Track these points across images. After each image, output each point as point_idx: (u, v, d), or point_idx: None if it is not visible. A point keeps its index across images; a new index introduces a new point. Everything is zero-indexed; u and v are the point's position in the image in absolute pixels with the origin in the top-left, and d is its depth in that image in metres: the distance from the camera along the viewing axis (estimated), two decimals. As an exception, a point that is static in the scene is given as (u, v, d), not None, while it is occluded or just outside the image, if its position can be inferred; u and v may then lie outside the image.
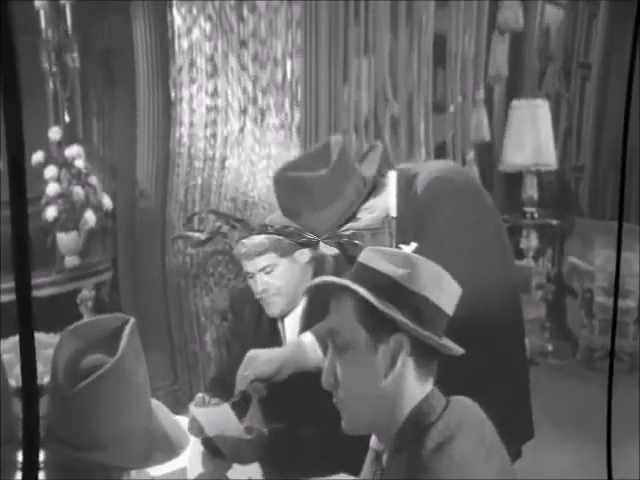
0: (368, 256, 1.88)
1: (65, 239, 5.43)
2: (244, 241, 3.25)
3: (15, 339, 1.67)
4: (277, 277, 3.20)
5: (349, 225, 3.01)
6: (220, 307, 5.82)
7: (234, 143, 5.84)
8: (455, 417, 1.85)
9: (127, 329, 1.68)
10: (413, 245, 2.93)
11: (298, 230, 4.63)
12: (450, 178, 2.99)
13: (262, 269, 3.20)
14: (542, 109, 7.83)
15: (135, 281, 6.17)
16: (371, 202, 3.02)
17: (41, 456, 1.60)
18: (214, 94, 5.75)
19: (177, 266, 6.09)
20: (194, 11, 5.57)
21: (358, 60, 5.98)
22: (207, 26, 5.62)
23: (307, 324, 3.09)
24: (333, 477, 2.73)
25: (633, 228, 6.53)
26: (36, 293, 4.95)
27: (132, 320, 1.72)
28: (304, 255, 3.23)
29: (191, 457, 2.90)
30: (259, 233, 3.22)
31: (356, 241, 3.26)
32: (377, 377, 1.83)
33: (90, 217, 5.39)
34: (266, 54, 5.63)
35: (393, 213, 3.07)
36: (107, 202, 5.60)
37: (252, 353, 2.91)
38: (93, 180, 5.50)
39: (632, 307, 6.93)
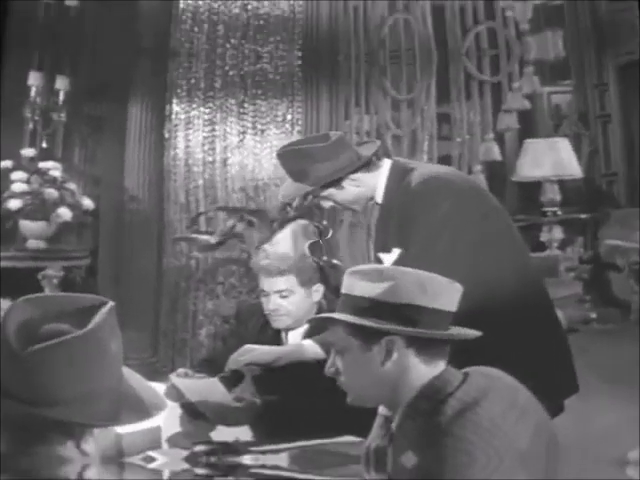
0: (348, 283, 2.04)
1: (30, 226, 6.05)
2: (267, 248, 3.22)
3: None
4: (290, 303, 3.15)
5: (331, 191, 3.07)
6: (225, 313, 5.68)
7: (234, 148, 5.89)
8: (477, 385, 1.93)
9: (105, 308, 1.73)
10: (395, 252, 2.96)
11: (313, 204, 4.65)
12: (447, 177, 3.08)
13: (279, 291, 3.15)
14: (562, 142, 7.65)
15: (118, 271, 6.38)
16: (360, 175, 3.06)
17: None
18: (212, 130, 5.85)
19: (177, 267, 6.09)
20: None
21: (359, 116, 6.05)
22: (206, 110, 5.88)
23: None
24: (338, 439, 2.57)
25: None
26: None
27: (111, 303, 1.76)
28: (319, 292, 3.20)
29: (167, 417, 2.75)
30: (281, 223, 3.30)
31: (335, 261, 3.31)
32: (375, 366, 1.96)
33: (65, 213, 5.96)
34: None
35: (379, 199, 3.10)
36: (87, 203, 6.13)
37: (249, 345, 2.99)
38: (71, 186, 6.06)
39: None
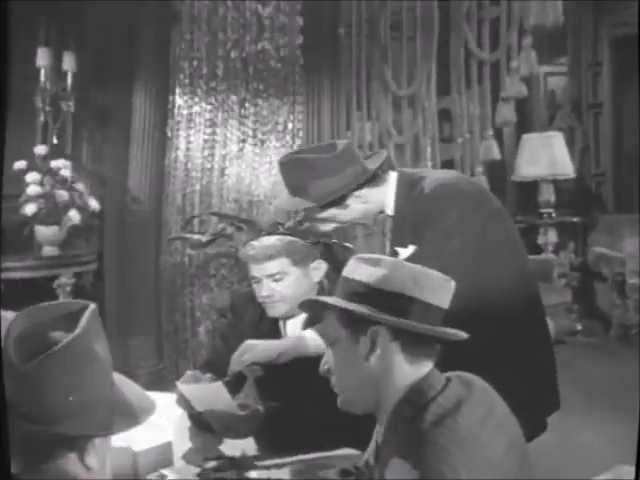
0: (350, 267, 2.06)
1: (44, 231, 5.92)
2: (253, 243, 3.02)
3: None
4: (285, 286, 2.99)
5: (333, 211, 2.94)
6: (219, 305, 5.74)
7: (233, 157, 5.87)
8: (457, 391, 1.93)
9: (88, 311, 1.73)
10: (411, 248, 2.90)
11: (310, 228, 4.63)
12: (454, 183, 2.99)
13: (271, 275, 2.98)
14: (556, 138, 7.84)
15: (123, 273, 6.37)
16: (365, 191, 2.94)
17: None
18: (212, 133, 5.86)
19: (173, 265, 6.13)
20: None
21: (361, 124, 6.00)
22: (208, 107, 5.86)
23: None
24: (337, 452, 2.65)
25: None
26: (9, 275, 5.48)
27: (93, 305, 1.77)
28: (319, 270, 3.04)
29: (177, 432, 2.86)
30: (269, 234, 3.07)
31: (347, 244, 3.25)
32: (360, 361, 1.97)
33: (74, 216, 5.86)
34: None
35: (390, 211, 2.99)
36: (94, 204, 6.03)
37: (250, 341, 2.87)
38: (79, 186, 5.94)
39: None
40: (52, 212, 5.80)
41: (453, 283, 2.03)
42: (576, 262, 8.15)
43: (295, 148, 5.59)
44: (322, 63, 5.44)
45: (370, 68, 5.81)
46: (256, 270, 3.01)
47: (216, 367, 3.06)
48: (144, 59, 6.00)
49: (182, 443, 2.79)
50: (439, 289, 2.00)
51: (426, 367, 1.97)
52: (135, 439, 2.59)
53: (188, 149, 5.94)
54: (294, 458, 2.60)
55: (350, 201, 2.92)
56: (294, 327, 3.03)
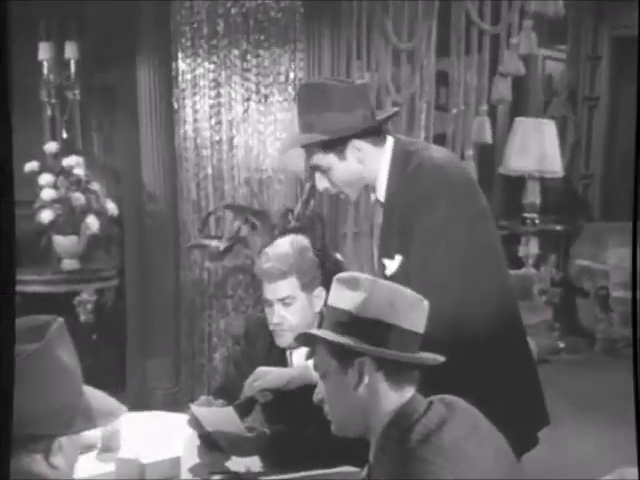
0: (334, 294, 2.17)
1: (63, 242, 5.68)
2: (268, 251, 3.15)
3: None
4: (293, 313, 3.13)
5: (331, 159, 2.90)
6: (235, 332, 5.74)
7: (240, 122, 5.92)
8: (439, 413, 2.04)
9: (55, 324, 1.83)
10: (397, 260, 2.89)
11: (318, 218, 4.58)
12: (445, 169, 2.91)
13: (282, 299, 3.12)
14: (548, 125, 7.84)
15: (144, 290, 6.24)
16: (365, 146, 2.90)
17: None
18: (217, 95, 5.91)
19: (192, 281, 6.10)
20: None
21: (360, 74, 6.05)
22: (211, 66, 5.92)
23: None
24: (337, 469, 2.77)
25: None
26: (25, 288, 5.27)
27: (60, 319, 1.86)
28: (320, 298, 3.13)
29: (186, 448, 3.01)
30: (282, 231, 3.52)
31: (338, 256, 3.40)
32: (349, 391, 2.09)
33: (92, 222, 5.62)
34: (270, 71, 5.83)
35: (381, 196, 2.96)
36: (111, 207, 5.78)
37: (262, 368, 3.04)
38: (95, 186, 5.76)
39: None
40: (70, 219, 5.60)
41: (426, 303, 2.13)
42: (557, 277, 8.08)
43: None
44: (323, 11, 5.52)
45: (371, 19, 5.88)
46: (269, 291, 3.14)
47: (228, 393, 3.27)
48: (145, 33, 6.00)
49: (190, 459, 2.95)
50: (413, 311, 2.11)
51: (409, 392, 2.10)
52: (144, 452, 2.86)
53: (195, 120, 5.96)
54: (296, 475, 2.76)
55: (349, 152, 2.89)
56: (299, 357, 3.14)
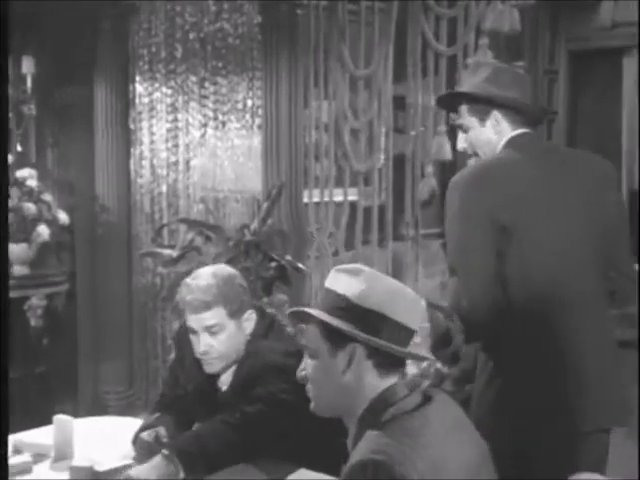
0: (332, 277, 2.18)
1: (14, 249, 5.68)
2: (190, 283, 3.03)
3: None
4: (221, 342, 3.03)
5: (473, 121, 3.05)
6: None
7: (197, 145, 5.94)
8: (417, 400, 2.08)
9: None
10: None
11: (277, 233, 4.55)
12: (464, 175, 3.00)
13: (208, 327, 3.01)
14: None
15: (95, 295, 6.31)
16: (502, 119, 3.02)
17: None
18: (174, 120, 5.94)
19: (145, 285, 6.12)
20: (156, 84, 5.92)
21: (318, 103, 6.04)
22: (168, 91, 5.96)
23: None
24: (291, 477, 2.80)
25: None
26: None
27: None
28: (250, 321, 3.10)
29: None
30: (236, 244, 3.57)
31: (300, 265, 3.28)
32: (336, 374, 2.11)
33: (43, 230, 5.74)
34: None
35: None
36: (63, 217, 5.93)
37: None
38: (47, 197, 5.84)
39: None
40: (21, 227, 5.66)
41: (423, 302, 2.27)
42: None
43: (255, 127, 5.72)
44: (280, 39, 5.45)
45: (328, 46, 5.86)
46: (194, 321, 3.03)
47: (167, 399, 3.29)
48: (103, 52, 6.03)
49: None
50: (410, 308, 2.15)
51: (392, 379, 2.13)
52: (99, 459, 2.84)
53: (152, 142, 6.01)
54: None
55: (490, 120, 3.01)
56: (227, 378, 3.13)
